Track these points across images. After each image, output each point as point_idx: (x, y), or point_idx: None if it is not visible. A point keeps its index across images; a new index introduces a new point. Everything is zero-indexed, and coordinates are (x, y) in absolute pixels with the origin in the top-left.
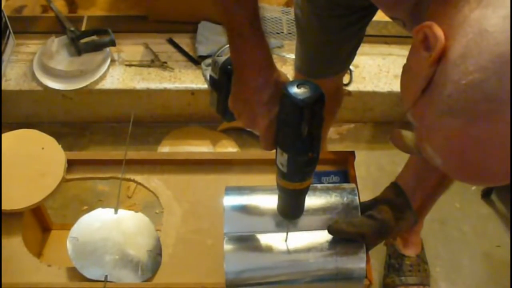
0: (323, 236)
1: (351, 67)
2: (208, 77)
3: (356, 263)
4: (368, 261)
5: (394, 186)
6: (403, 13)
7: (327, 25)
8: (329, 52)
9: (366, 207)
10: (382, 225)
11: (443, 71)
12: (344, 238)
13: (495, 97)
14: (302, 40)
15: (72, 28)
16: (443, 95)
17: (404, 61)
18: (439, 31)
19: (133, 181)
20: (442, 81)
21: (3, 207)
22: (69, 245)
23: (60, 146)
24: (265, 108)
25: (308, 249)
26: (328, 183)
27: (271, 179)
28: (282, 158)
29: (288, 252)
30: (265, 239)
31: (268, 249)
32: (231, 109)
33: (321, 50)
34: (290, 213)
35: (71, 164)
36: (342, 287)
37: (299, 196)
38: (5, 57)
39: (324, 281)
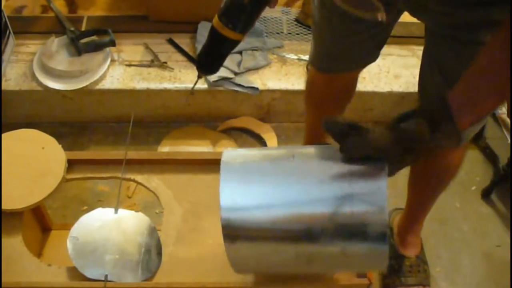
0: (336, 163)
1: None
2: (207, 76)
3: (374, 184)
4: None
5: (438, 99)
6: None
7: (337, 29)
8: (339, 52)
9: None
10: (409, 135)
11: None
12: (360, 158)
13: None
14: (315, 36)
15: (72, 28)
16: None
17: (404, 61)
18: None
19: (133, 181)
20: None
21: (3, 207)
22: (69, 244)
23: (60, 146)
24: None
25: (319, 176)
26: None
27: None
28: None
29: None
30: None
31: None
32: None
33: (332, 50)
34: (206, 62)
35: (71, 164)
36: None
37: (223, 45)
38: (5, 57)
39: (338, 214)
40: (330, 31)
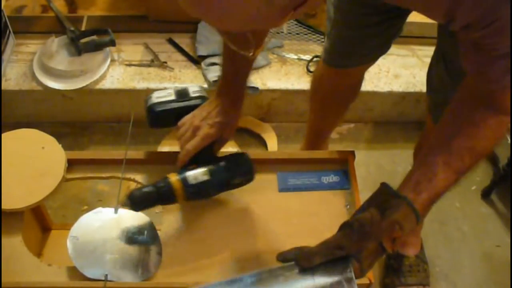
0: (302, 279)
1: None
2: (207, 76)
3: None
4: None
5: (382, 185)
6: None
7: (351, 21)
8: (353, 45)
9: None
10: (358, 221)
11: None
12: (324, 264)
13: None
14: (330, 32)
15: (72, 28)
16: None
17: (404, 61)
18: None
19: (133, 180)
20: None
21: (3, 207)
22: (69, 244)
23: (60, 145)
24: (204, 134)
25: None
26: (328, 182)
27: (271, 178)
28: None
29: None
30: None
31: None
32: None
33: (347, 43)
34: (141, 200)
35: (71, 164)
36: None
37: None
38: (5, 57)
39: None
40: (345, 24)
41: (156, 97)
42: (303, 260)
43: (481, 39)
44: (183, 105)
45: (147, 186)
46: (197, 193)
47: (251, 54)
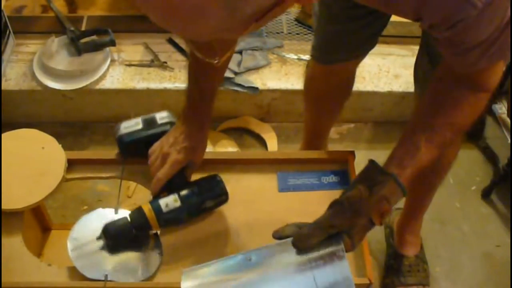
0: (295, 256)
1: None
2: None
3: (337, 268)
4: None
5: (370, 161)
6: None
7: (336, 15)
8: (338, 40)
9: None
10: (348, 198)
11: None
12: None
13: None
14: (315, 28)
15: (72, 28)
16: None
17: (404, 61)
18: None
19: (133, 180)
20: None
21: (3, 207)
22: (69, 245)
23: (60, 145)
24: (172, 161)
25: (283, 275)
26: (328, 182)
27: (271, 178)
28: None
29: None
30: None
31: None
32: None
33: (331, 38)
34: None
35: (71, 164)
36: None
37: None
38: (5, 57)
39: None
40: (330, 19)
41: (124, 128)
42: (299, 242)
43: (450, 36)
44: (151, 133)
45: (121, 218)
46: (170, 220)
47: (216, 61)
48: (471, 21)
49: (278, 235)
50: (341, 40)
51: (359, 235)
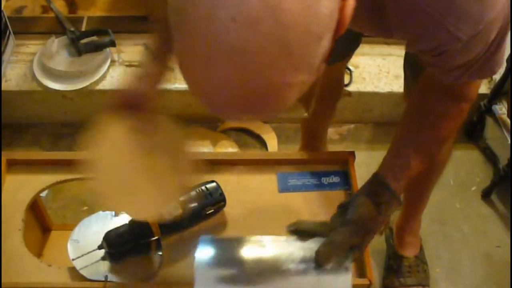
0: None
1: (351, 67)
2: None
3: (341, 278)
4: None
5: (375, 175)
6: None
7: None
8: None
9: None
10: (362, 221)
11: None
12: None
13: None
14: None
15: (72, 29)
16: None
17: None
18: None
19: None
20: None
21: (135, 216)
22: (69, 247)
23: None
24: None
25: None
26: (328, 183)
27: (271, 179)
28: None
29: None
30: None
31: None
32: None
33: None
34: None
35: (71, 164)
36: None
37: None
38: (5, 57)
39: None
40: None
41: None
42: (322, 260)
43: (435, 61)
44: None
45: (123, 225)
46: (172, 227)
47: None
48: (456, 51)
49: (295, 228)
50: None
51: (366, 247)
